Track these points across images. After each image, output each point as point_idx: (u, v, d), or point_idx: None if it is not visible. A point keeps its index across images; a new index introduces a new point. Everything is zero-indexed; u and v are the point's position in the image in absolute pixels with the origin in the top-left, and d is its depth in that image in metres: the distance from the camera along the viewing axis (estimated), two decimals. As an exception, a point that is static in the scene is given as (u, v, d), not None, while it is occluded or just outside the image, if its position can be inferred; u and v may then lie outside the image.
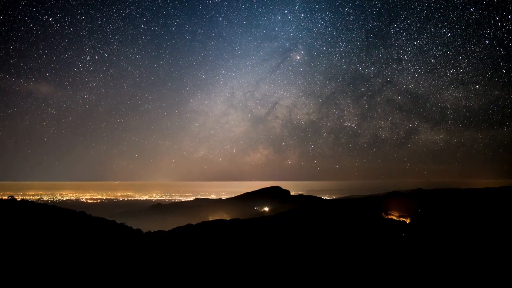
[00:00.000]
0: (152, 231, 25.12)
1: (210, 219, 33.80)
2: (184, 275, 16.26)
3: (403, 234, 27.60)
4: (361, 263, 19.80)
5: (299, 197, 73.72)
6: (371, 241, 26.61)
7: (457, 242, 24.07)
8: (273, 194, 74.20)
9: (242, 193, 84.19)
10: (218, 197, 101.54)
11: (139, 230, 23.64)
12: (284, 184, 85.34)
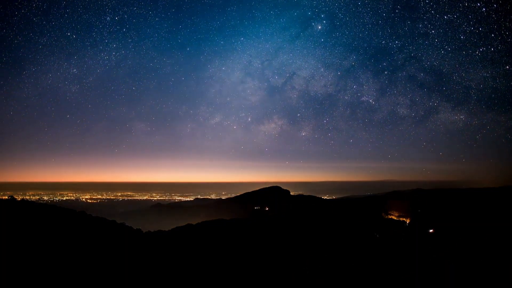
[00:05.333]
0: (152, 231, 25.14)
1: (210, 219, 33.76)
2: (184, 275, 16.26)
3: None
4: (361, 263, 19.80)
5: (299, 197, 73.64)
6: (371, 241, 26.61)
7: (457, 242, 24.05)
8: (273, 194, 74.19)
9: (242, 193, 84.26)
10: (218, 197, 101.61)
11: (139, 230, 23.66)
12: (284, 184, 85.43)
